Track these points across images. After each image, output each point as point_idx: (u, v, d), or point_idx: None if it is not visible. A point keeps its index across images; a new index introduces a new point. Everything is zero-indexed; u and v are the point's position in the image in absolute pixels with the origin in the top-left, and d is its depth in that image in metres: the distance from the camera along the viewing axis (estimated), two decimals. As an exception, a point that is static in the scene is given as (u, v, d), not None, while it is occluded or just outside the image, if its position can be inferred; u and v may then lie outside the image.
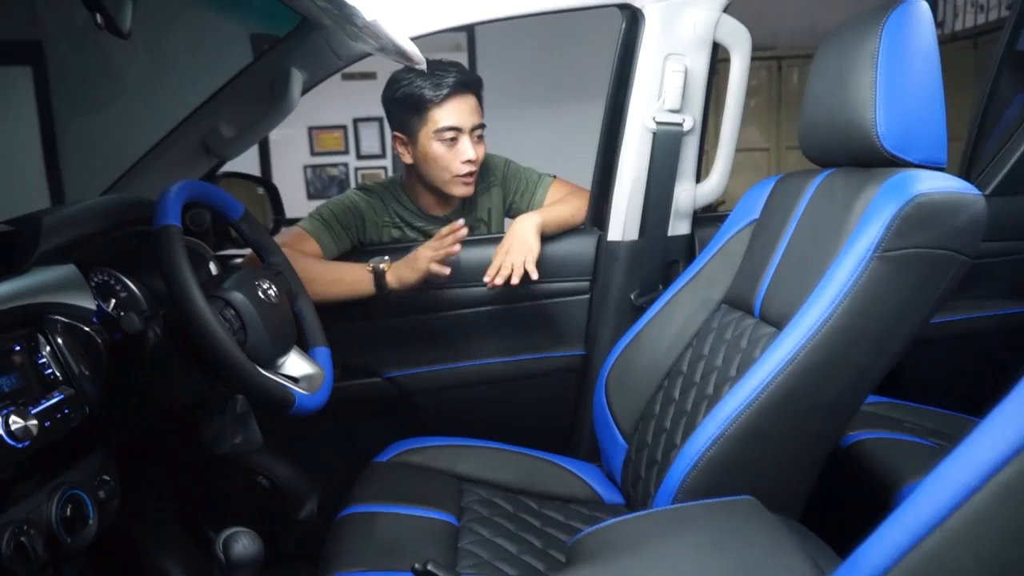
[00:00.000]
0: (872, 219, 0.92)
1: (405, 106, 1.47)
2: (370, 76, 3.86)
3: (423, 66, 1.21)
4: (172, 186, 1.04)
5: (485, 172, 1.61)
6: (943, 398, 1.50)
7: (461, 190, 1.50)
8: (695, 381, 1.22)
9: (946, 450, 1.24)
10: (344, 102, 4.05)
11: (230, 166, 1.69)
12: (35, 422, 0.77)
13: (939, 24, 5.64)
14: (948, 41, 5.26)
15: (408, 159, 1.52)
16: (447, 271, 1.37)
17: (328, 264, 1.45)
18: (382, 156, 4.38)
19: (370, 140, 4.39)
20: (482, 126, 1.49)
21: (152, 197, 1.22)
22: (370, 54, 1.32)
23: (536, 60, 3.79)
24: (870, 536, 0.42)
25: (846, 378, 0.93)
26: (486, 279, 1.42)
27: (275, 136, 4.14)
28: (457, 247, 1.37)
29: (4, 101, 2.94)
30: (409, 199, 1.57)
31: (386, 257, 1.42)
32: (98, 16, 0.66)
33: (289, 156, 4.25)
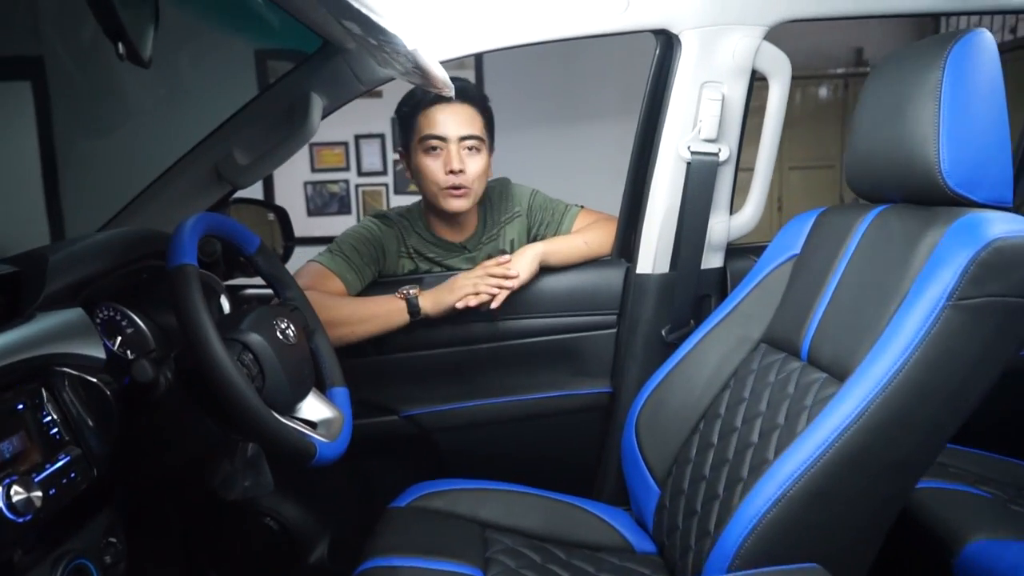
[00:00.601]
0: (942, 264, 0.86)
1: (400, 118, 1.45)
2: (376, 95, 3.80)
3: (451, 92, 1.15)
4: (187, 220, 0.97)
5: (510, 202, 1.56)
6: (981, 439, 1.44)
7: (451, 203, 1.42)
8: (735, 426, 1.15)
9: (1002, 500, 1.16)
10: (345, 118, 3.99)
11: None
12: (39, 493, 0.70)
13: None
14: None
15: (408, 175, 1.50)
16: (484, 303, 1.35)
17: (357, 302, 1.40)
18: (383, 173, 4.32)
19: (371, 157, 4.32)
20: (477, 138, 1.42)
21: (161, 227, 1.16)
22: (392, 78, 1.26)
23: (545, 80, 3.74)
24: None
25: (918, 435, 0.86)
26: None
27: (276, 153, 4.07)
28: (499, 292, 1.37)
29: (2, 116, 2.87)
30: (424, 226, 1.52)
31: (415, 286, 1.38)
32: (120, 46, 0.60)
33: (289, 173, 4.18)
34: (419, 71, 1.07)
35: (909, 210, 1.00)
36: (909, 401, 0.85)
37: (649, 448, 1.28)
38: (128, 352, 1.02)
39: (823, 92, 4.51)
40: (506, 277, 1.39)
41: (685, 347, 1.29)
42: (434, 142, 1.40)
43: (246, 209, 1.71)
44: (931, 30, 5.51)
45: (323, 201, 4.37)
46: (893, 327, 0.88)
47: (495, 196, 1.56)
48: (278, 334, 1.03)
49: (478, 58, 3.86)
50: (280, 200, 4.08)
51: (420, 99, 1.40)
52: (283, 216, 1.73)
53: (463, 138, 1.41)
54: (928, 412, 0.85)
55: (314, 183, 4.32)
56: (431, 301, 1.37)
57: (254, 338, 0.98)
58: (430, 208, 1.49)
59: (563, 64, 3.64)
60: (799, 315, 1.13)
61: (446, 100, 1.38)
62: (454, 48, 1.29)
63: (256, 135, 1.26)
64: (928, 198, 0.96)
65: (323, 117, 1.28)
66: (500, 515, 1.28)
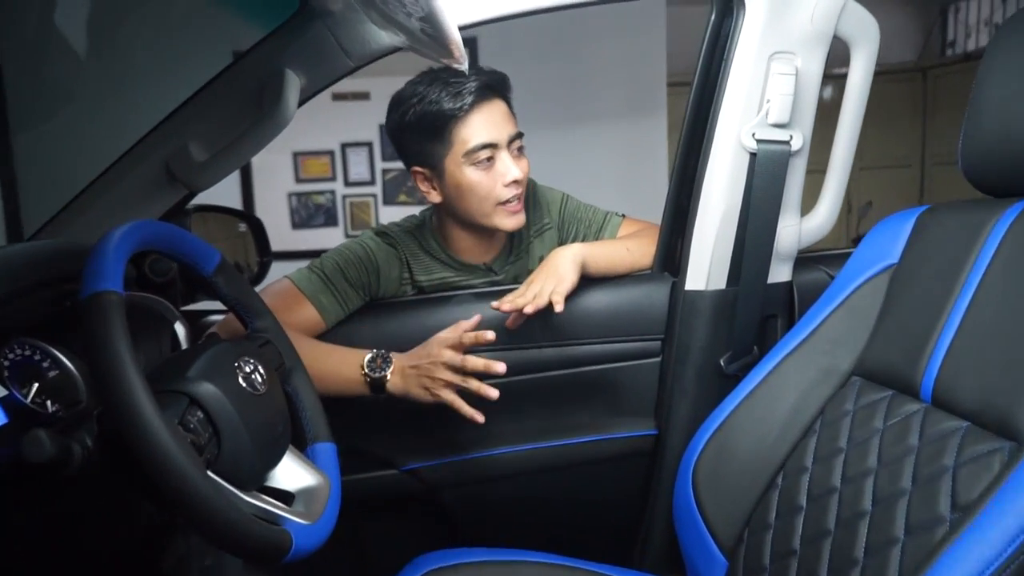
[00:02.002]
0: None
1: (420, 131, 1.17)
2: (363, 96, 3.58)
3: (464, 64, 0.90)
4: (113, 231, 0.71)
5: (538, 212, 1.30)
6: None
7: (510, 222, 1.19)
8: (832, 485, 0.90)
9: None
10: (332, 125, 3.80)
11: (205, 195, 1.38)
12: None
13: (950, 44, 5.49)
14: (961, 61, 5.10)
15: (436, 197, 1.21)
16: (473, 385, 1.06)
17: (317, 350, 1.11)
18: (371, 183, 4.10)
19: (359, 166, 4.13)
20: (520, 135, 1.18)
21: (96, 239, 0.90)
22: (389, 52, 1.01)
23: (542, 80, 3.51)
24: None
25: None
26: (494, 303, 1.12)
27: (257, 162, 3.84)
28: (498, 366, 1.06)
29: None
30: (439, 246, 1.26)
31: (387, 354, 1.10)
32: None
33: (272, 183, 3.97)
34: (430, 33, 0.82)
35: None
36: None
37: (711, 507, 1.03)
38: (49, 403, 0.76)
39: (826, 93, 4.36)
40: (559, 281, 1.13)
41: (751, 380, 1.05)
42: (486, 152, 1.15)
43: (213, 219, 1.45)
44: (938, 26, 5.36)
45: (308, 213, 4.18)
46: None
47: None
48: (240, 381, 0.78)
49: (473, 58, 3.63)
50: (262, 212, 3.85)
51: (454, 107, 1.13)
52: (257, 227, 1.47)
53: (512, 139, 1.17)
54: None
55: (299, 194, 4.13)
56: (400, 383, 1.08)
57: (206, 389, 0.73)
58: (467, 228, 1.23)
59: (564, 63, 3.41)
60: (912, 342, 0.89)
61: (486, 99, 1.15)
62: (465, 14, 1.03)
63: (217, 124, 1.00)
64: None
65: (303, 100, 1.02)
66: (526, 595, 1.03)
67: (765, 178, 1.09)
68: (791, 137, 1.09)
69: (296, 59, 0.98)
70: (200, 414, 0.71)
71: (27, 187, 2.48)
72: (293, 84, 0.98)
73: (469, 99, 1.13)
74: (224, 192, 1.50)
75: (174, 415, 0.68)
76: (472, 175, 1.15)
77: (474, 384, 1.06)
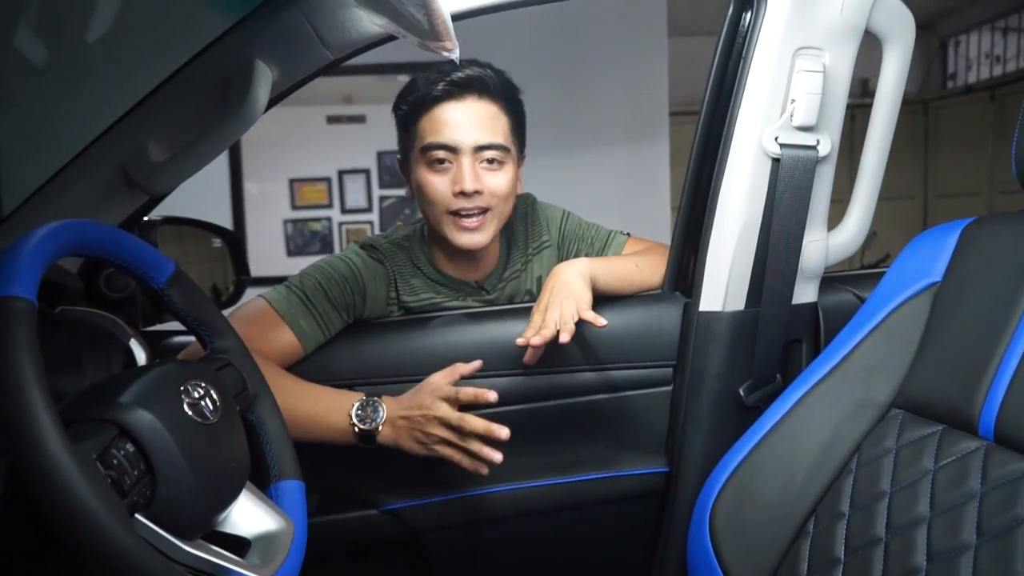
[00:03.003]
0: None
1: (398, 116, 1.11)
2: (358, 120, 3.52)
3: (456, 53, 0.80)
4: (32, 232, 0.60)
5: (536, 229, 1.21)
6: None
7: (461, 237, 1.07)
8: (876, 536, 0.78)
9: None
10: (328, 152, 3.76)
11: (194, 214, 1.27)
12: None
13: (951, 77, 5.46)
14: (962, 93, 5.06)
15: (411, 193, 1.13)
16: (474, 447, 0.94)
17: (307, 393, 0.99)
18: (368, 210, 4.05)
19: (356, 193, 4.10)
20: (499, 147, 1.06)
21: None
22: (373, 44, 0.91)
23: (539, 107, 3.44)
24: None
25: None
26: (520, 340, 0.99)
27: (253, 190, 3.80)
28: (489, 395, 0.95)
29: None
30: (427, 259, 1.16)
31: (377, 401, 0.98)
32: None
33: (268, 210, 3.91)
34: (419, 17, 0.73)
35: None
36: None
37: (731, 556, 0.91)
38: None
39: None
40: (578, 299, 1.02)
41: (774, 412, 0.94)
42: (439, 153, 1.05)
43: (186, 233, 1.35)
44: (938, 60, 5.33)
45: (304, 240, 4.13)
46: None
47: (519, 219, 1.21)
48: (186, 408, 0.66)
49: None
50: (257, 239, 3.78)
51: (424, 92, 1.06)
52: (234, 242, 1.37)
53: (480, 148, 1.06)
54: None
55: (294, 221, 4.07)
56: (392, 432, 0.97)
57: (139, 417, 0.61)
58: (434, 237, 1.14)
59: (564, 89, 3.35)
60: (966, 370, 0.78)
61: (458, 95, 1.05)
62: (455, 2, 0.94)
63: (178, 121, 0.90)
64: None
65: (275, 96, 0.92)
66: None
67: (790, 187, 0.98)
68: (818, 141, 0.99)
69: (268, 49, 0.88)
70: (130, 447, 0.59)
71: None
72: (264, 77, 0.88)
73: (439, 90, 1.04)
74: (214, 217, 1.40)
75: (93, 448, 0.56)
76: (424, 174, 1.07)
77: (475, 445, 0.94)
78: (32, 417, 0.49)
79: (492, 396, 0.94)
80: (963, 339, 0.80)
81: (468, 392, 0.94)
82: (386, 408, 0.97)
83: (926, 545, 0.72)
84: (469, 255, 1.13)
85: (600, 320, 0.98)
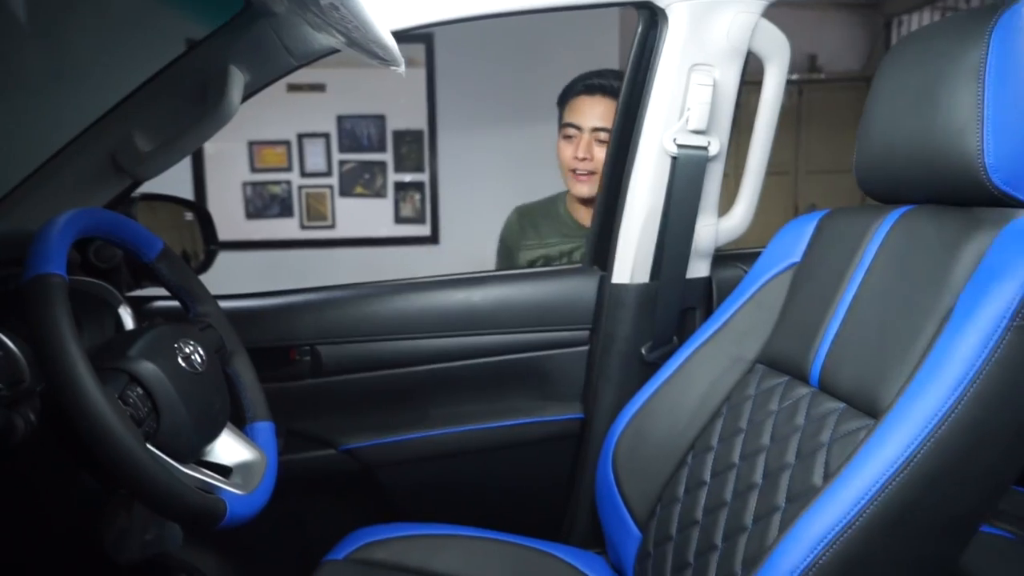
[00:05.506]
0: (1000, 276, 0.71)
1: (559, 104, 1.60)
2: (318, 88, 3.58)
3: (402, 68, 0.96)
4: (57, 218, 0.75)
5: None
6: None
7: (575, 187, 1.55)
8: (732, 462, 0.99)
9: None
10: (289, 115, 3.76)
11: (157, 179, 1.40)
12: None
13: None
14: (903, 72, 5.29)
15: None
16: None
17: None
18: (328, 174, 4.08)
19: (316, 157, 4.08)
20: (608, 131, 1.42)
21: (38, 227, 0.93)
22: (332, 52, 1.06)
23: (501, 77, 3.57)
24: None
25: (977, 486, 0.71)
26: None
27: (211, 150, 3.79)
28: None
29: None
30: (566, 211, 1.61)
31: None
32: None
33: (226, 172, 3.91)
34: (363, 41, 0.88)
35: (941, 212, 0.85)
36: (966, 444, 0.69)
37: (628, 484, 1.11)
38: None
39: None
40: None
41: (668, 367, 1.13)
42: (570, 131, 1.53)
43: (161, 207, 1.48)
44: (882, 38, 5.57)
45: (263, 203, 4.10)
46: (940, 353, 0.73)
47: None
48: (180, 360, 0.83)
49: (429, 54, 3.67)
50: (216, 202, 3.80)
51: (569, 89, 1.55)
52: (204, 216, 1.50)
53: (595, 129, 1.50)
54: (988, 457, 0.70)
55: (254, 184, 4.05)
56: None
57: (145, 367, 0.77)
58: (570, 192, 1.59)
59: (520, 62, 3.47)
60: (806, 333, 0.98)
61: (589, 92, 1.50)
62: (407, 16, 1.09)
63: (162, 116, 1.04)
64: (964, 197, 0.81)
65: (246, 96, 1.06)
66: (456, 566, 1.10)
67: (684, 180, 1.17)
68: (709, 143, 1.17)
69: (240, 56, 1.02)
70: (139, 390, 0.76)
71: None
72: (237, 80, 1.02)
73: (578, 88, 1.52)
74: (175, 180, 1.51)
75: (114, 390, 0.73)
76: (561, 143, 1.56)
77: None
78: (73, 366, 0.65)
79: None
80: (807, 308, 1.00)
81: None
82: None
83: (763, 466, 0.92)
84: (588, 203, 1.53)
85: None
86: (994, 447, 0.70)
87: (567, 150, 1.53)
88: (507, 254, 1.65)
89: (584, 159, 1.50)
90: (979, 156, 0.76)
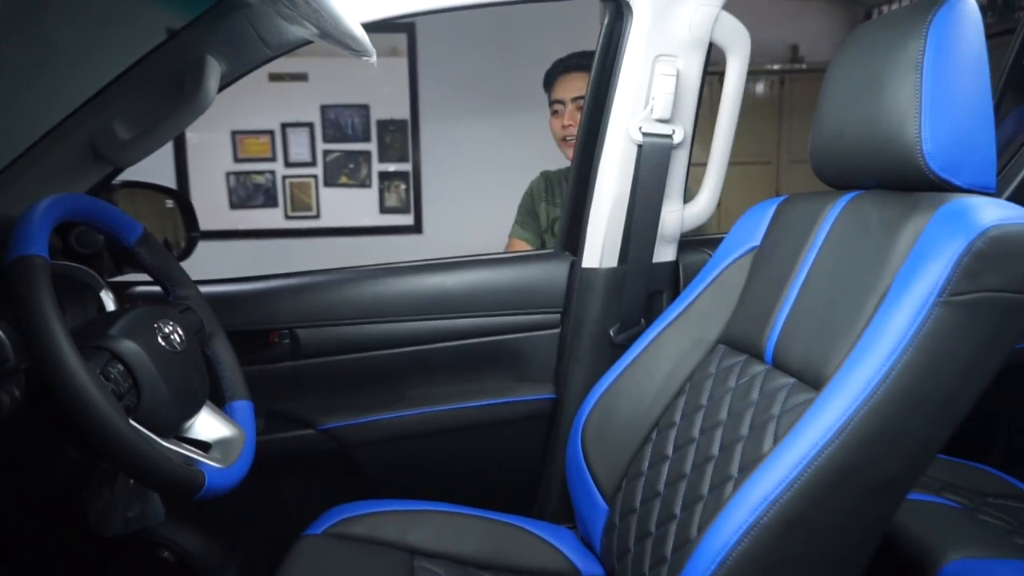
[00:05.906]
0: (930, 256, 0.76)
1: (544, 86, 1.79)
2: (300, 78, 3.58)
3: (373, 58, 0.99)
4: (39, 203, 0.79)
5: None
6: None
7: (569, 152, 1.70)
8: (693, 436, 1.04)
9: (970, 511, 1.08)
10: (271, 105, 3.75)
11: (139, 169, 1.42)
12: None
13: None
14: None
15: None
16: None
17: None
18: (312, 164, 4.08)
19: (299, 147, 4.08)
20: (582, 98, 1.57)
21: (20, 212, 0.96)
22: (306, 43, 1.09)
23: (481, 66, 3.59)
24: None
25: (908, 450, 0.76)
26: None
27: (194, 140, 3.79)
28: None
29: None
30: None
31: None
32: None
33: (209, 162, 3.90)
34: (335, 32, 0.91)
35: (885, 196, 0.90)
36: (898, 411, 0.74)
37: (596, 461, 1.16)
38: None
39: (759, 88, 4.56)
40: None
41: (635, 349, 1.17)
42: (557, 106, 1.74)
43: (141, 195, 1.51)
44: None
45: (247, 193, 4.10)
46: (875, 328, 0.78)
47: None
48: (159, 340, 0.86)
49: (411, 43, 3.68)
50: (200, 192, 3.80)
51: (551, 72, 1.75)
52: (185, 204, 1.53)
53: (576, 99, 1.69)
54: (918, 423, 0.75)
55: (237, 174, 4.05)
56: None
57: (126, 346, 0.81)
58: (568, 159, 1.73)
59: (503, 52, 3.50)
60: (761, 314, 1.03)
61: (567, 70, 1.70)
62: (378, 8, 1.12)
63: (141, 104, 1.07)
64: (905, 183, 0.86)
65: (223, 86, 1.09)
66: (430, 540, 1.14)
67: (650, 168, 1.21)
68: (673, 132, 1.21)
69: (216, 47, 1.06)
70: (120, 367, 0.80)
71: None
72: (213, 70, 1.05)
73: (559, 69, 1.72)
74: (158, 171, 1.53)
75: (96, 366, 0.76)
76: (551, 120, 1.76)
77: None
78: (57, 343, 0.69)
79: None
80: (764, 290, 1.05)
81: None
82: None
83: (720, 440, 0.97)
84: None
85: None
86: (924, 414, 0.75)
87: (556, 123, 1.73)
88: (528, 210, 1.83)
89: (569, 125, 1.69)
90: (918, 144, 0.81)
